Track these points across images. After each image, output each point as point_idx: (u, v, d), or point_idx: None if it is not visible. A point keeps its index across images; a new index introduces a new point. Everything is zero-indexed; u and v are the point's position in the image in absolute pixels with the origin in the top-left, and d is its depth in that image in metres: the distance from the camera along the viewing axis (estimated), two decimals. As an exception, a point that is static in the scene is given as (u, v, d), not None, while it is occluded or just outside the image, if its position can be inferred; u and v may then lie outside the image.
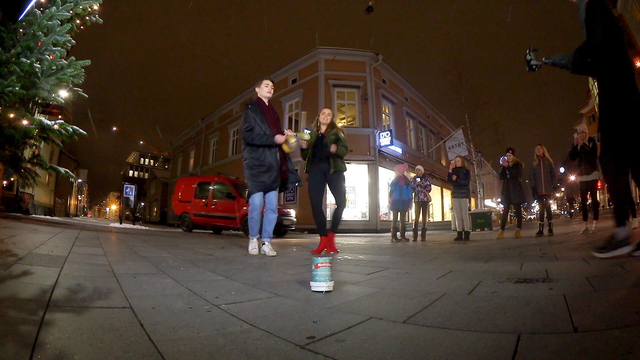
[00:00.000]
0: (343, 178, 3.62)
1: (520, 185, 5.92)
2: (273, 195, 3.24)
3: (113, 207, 65.88)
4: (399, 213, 6.54)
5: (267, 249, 3.13)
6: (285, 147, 3.17)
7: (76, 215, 28.90)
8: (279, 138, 3.12)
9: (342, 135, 3.64)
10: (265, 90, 3.32)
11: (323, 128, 3.68)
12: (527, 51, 2.45)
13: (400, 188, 6.47)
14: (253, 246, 3.18)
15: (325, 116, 3.70)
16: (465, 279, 1.77)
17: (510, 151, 6.06)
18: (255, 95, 3.41)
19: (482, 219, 11.77)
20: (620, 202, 2.10)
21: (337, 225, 3.67)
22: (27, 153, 4.79)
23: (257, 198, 3.17)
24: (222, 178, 9.51)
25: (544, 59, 2.39)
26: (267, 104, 3.33)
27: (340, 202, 3.59)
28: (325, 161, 3.54)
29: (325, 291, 1.47)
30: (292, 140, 3.15)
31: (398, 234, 6.46)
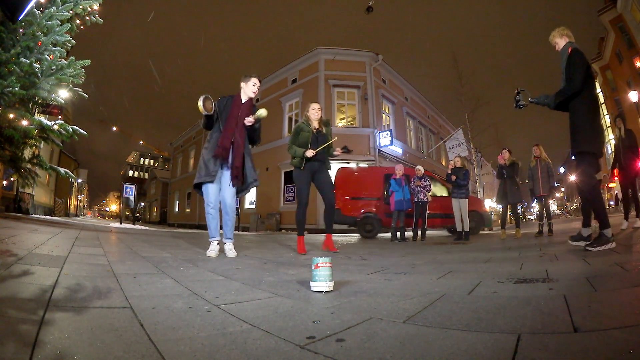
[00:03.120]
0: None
1: (517, 184, 5.92)
2: (225, 194, 2.97)
3: (113, 207, 65.91)
4: (399, 213, 6.53)
5: (227, 248, 2.98)
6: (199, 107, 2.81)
7: (76, 215, 28.90)
8: (203, 103, 2.80)
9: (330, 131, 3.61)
10: (251, 89, 3.08)
11: (315, 124, 3.56)
12: (516, 92, 2.93)
13: (403, 188, 6.47)
14: (212, 248, 2.92)
15: (315, 112, 3.56)
16: (465, 279, 1.77)
17: (507, 149, 6.06)
18: (239, 90, 3.14)
19: (482, 219, 11.73)
20: (603, 210, 2.68)
21: (332, 224, 3.63)
22: (27, 153, 4.80)
23: (204, 192, 2.96)
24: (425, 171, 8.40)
25: (530, 99, 2.89)
26: (243, 101, 3.08)
27: (331, 200, 3.52)
28: (317, 160, 3.45)
29: (325, 291, 1.47)
30: (199, 103, 2.80)
31: (398, 234, 6.46)
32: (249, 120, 2.94)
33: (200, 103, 2.80)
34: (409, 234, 6.80)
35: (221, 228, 3.10)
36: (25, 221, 5.37)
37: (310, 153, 3.37)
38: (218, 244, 2.98)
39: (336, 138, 3.55)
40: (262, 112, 2.96)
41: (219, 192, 2.99)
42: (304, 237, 3.62)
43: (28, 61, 3.72)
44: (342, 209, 7.77)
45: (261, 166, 15.16)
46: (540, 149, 5.86)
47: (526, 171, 6.20)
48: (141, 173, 70.98)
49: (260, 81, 3.18)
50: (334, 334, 0.94)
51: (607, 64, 24.36)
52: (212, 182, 2.93)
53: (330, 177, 3.58)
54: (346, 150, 3.57)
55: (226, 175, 2.98)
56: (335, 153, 3.56)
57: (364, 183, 8.13)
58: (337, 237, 7.32)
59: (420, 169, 6.86)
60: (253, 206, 15.73)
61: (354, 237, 8.20)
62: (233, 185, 2.96)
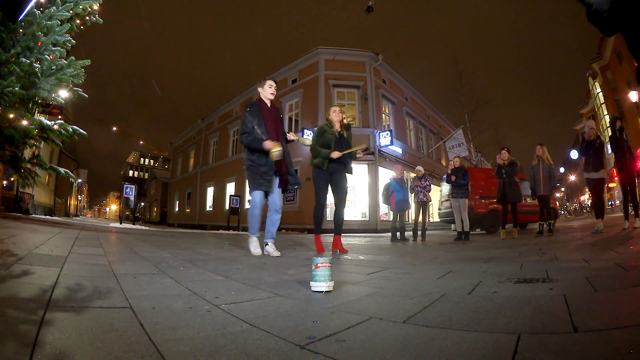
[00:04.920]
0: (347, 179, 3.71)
1: (516, 184, 5.89)
2: (276, 196, 3.23)
3: (113, 207, 65.93)
4: (399, 213, 6.54)
5: (271, 249, 3.12)
6: (271, 155, 3.01)
7: (76, 215, 28.90)
8: (267, 144, 3.02)
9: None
10: (268, 92, 3.28)
11: (337, 126, 3.65)
12: None
13: (403, 188, 6.48)
14: (255, 246, 3.14)
15: (337, 114, 3.67)
16: (465, 279, 1.77)
17: (506, 149, 6.05)
18: (257, 95, 3.36)
19: (482, 219, 11.74)
20: None
21: (342, 226, 3.68)
22: (27, 153, 4.79)
23: (257, 196, 3.15)
24: (523, 176, 9.11)
25: None
26: (268, 105, 3.28)
27: (344, 203, 3.62)
28: (339, 161, 3.54)
29: (325, 291, 1.47)
30: (275, 150, 2.99)
31: (398, 234, 6.46)
32: (291, 137, 3.32)
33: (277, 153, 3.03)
34: (408, 234, 6.80)
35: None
36: (25, 221, 5.37)
37: (336, 154, 3.44)
38: (257, 239, 3.19)
39: (364, 145, 3.67)
40: (307, 141, 3.47)
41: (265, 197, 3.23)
42: (320, 235, 3.67)
43: (28, 61, 3.71)
44: (474, 207, 8.44)
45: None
46: (543, 149, 5.84)
47: (528, 170, 6.19)
48: (141, 173, 70.99)
49: (276, 82, 3.38)
50: (334, 334, 0.94)
51: (607, 64, 24.36)
52: (269, 190, 3.16)
53: (347, 181, 3.66)
54: (368, 151, 3.71)
55: (275, 181, 3.23)
56: (357, 155, 3.64)
57: (489, 183, 8.88)
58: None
59: (420, 169, 6.87)
60: (253, 206, 15.72)
61: (354, 237, 8.21)
62: (279, 187, 3.25)
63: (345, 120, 3.74)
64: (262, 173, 3.12)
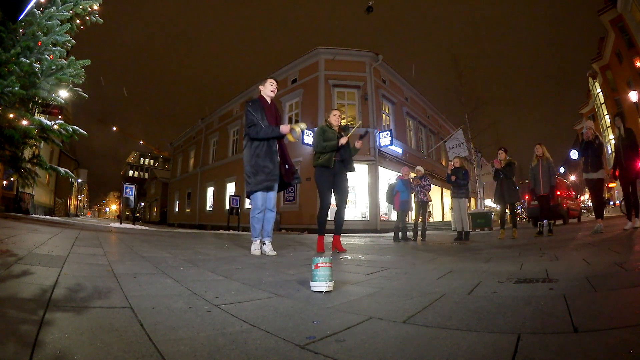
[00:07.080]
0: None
1: (514, 184, 5.84)
2: (272, 194, 3.26)
3: (113, 207, 65.97)
4: (403, 214, 6.55)
5: (267, 248, 3.14)
6: (290, 137, 3.20)
7: (76, 215, 28.89)
8: (283, 128, 3.15)
9: None
10: (269, 89, 3.36)
11: (336, 129, 3.73)
12: None
13: (408, 189, 6.49)
14: (255, 247, 3.16)
15: (337, 117, 3.79)
16: (465, 279, 1.78)
17: (502, 149, 5.99)
18: (258, 93, 3.45)
19: (482, 219, 11.76)
20: None
21: (342, 226, 3.71)
22: (27, 153, 4.79)
23: (259, 197, 3.17)
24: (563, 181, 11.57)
25: None
26: (269, 102, 3.35)
27: (345, 203, 3.66)
28: (341, 162, 3.61)
29: (325, 291, 1.47)
30: (298, 130, 3.18)
31: (400, 234, 6.45)
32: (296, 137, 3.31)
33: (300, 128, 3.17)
34: (409, 234, 6.80)
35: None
36: (25, 221, 5.37)
37: (344, 140, 3.52)
38: (260, 242, 3.19)
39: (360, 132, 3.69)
40: (299, 127, 3.30)
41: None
42: (323, 236, 3.67)
43: (28, 61, 3.71)
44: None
45: (261, 166, 15.11)
46: (542, 148, 5.82)
47: (528, 171, 6.16)
48: (141, 173, 70.94)
49: (277, 81, 3.46)
50: (334, 334, 0.94)
51: (607, 64, 24.36)
52: (273, 185, 3.18)
53: (348, 180, 3.70)
54: (366, 133, 3.80)
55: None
56: (357, 146, 3.69)
57: (560, 187, 10.62)
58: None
59: (420, 169, 6.87)
60: (253, 206, 15.72)
61: (354, 237, 8.21)
62: (286, 180, 3.32)
63: (343, 122, 3.81)
64: (268, 172, 3.14)
